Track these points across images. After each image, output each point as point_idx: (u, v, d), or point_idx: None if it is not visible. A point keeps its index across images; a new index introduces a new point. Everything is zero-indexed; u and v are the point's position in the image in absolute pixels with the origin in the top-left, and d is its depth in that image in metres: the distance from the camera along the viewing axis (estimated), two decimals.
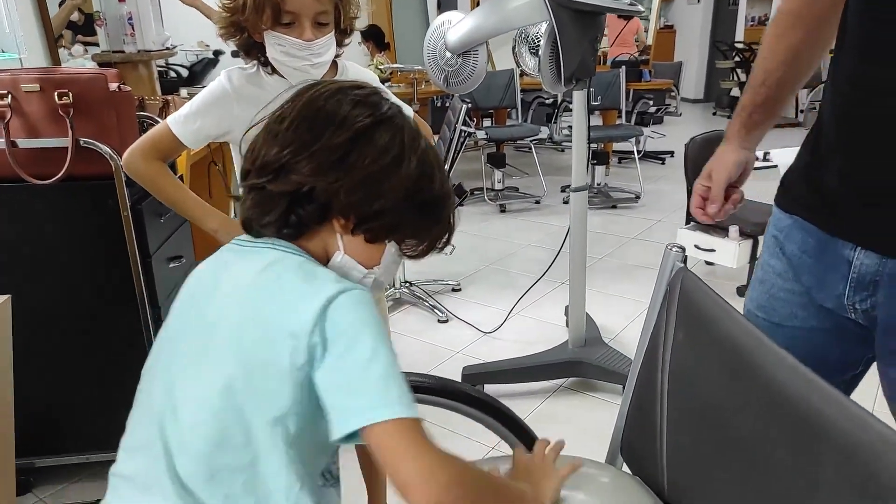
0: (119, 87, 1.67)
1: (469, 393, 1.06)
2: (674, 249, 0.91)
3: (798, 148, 0.95)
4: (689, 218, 2.90)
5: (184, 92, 3.22)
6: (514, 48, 2.22)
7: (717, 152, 1.04)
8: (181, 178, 2.01)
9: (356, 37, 1.30)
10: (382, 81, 4.67)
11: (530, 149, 5.35)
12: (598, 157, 4.72)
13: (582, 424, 1.98)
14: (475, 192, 4.67)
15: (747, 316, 1.00)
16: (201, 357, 0.70)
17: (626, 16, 6.23)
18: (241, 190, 0.76)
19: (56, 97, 1.51)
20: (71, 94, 1.52)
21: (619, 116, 5.15)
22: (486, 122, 5.73)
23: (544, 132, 5.09)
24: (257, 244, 0.74)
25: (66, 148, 1.52)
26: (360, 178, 0.69)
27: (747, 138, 1.02)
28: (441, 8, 5.97)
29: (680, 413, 0.83)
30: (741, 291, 3.00)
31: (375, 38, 5.18)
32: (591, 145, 3.62)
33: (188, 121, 1.21)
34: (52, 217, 1.61)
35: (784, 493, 0.63)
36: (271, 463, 0.66)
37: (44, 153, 1.54)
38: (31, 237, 1.62)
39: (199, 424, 0.67)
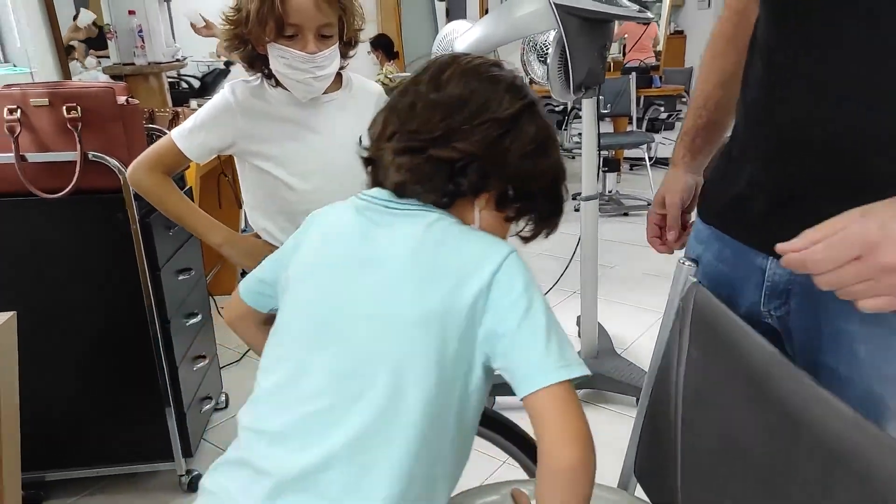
0: (127, 100, 1.67)
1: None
2: (686, 263, 0.89)
3: None
4: None
5: (193, 103, 3.24)
6: (522, 57, 2.20)
7: (665, 179, 1.04)
8: (190, 189, 2.01)
9: (365, 46, 1.29)
10: (391, 90, 4.67)
11: None
12: (609, 165, 4.69)
13: (596, 438, 1.96)
14: None
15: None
16: (376, 316, 0.69)
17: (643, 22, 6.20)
18: (365, 152, 0.79)
19: (65, 111, 1.51)
20: (79, 108, 1.52)
21: (630, 123, 5.11)
22: None
23: None
24: (410, 206, 0.73)
25: (75, 162, 1.52)
26: (522, 156, 0.72)
27: (692, 163, 1.02)
28: (450, 17, 5.98)
29: (695, 436, 0.81)
30: None
31: (385, 48, 5.18)
32: (602, 152, 3.59)
33: (192, 134, 1.21)
34: (60, 231, 1.62)
35: None
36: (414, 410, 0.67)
37: (53, 167, 1.54)
38: (39, 251, 1.62)
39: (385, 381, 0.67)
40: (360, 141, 1.26)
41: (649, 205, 4.29)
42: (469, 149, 0.70)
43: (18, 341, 1.34)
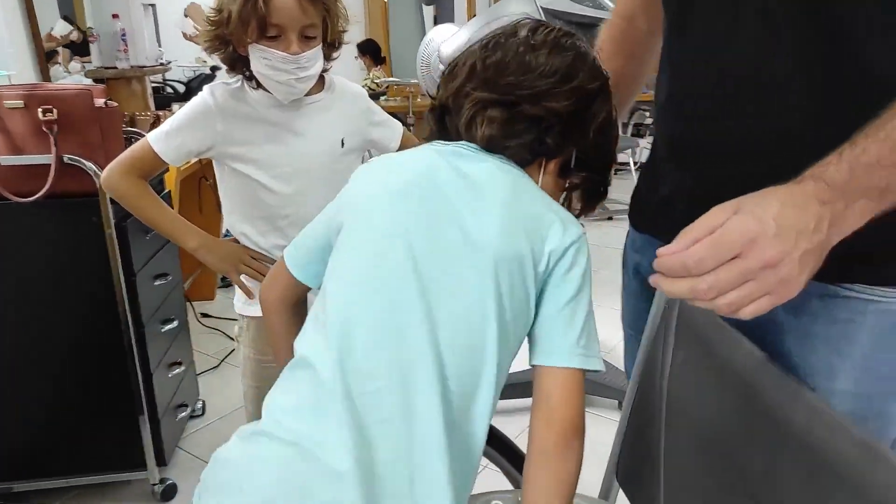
0: (105, 103, 1.64)
1: None
2: None
3: None
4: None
5: (175, 107, 3.20)
6: None
7: None
8: (169, 194, 1.98)
9: (352, 50, 1.27)
10: (377, 95, 4.66)
11: None
12: None
13: None
14: None
15: (625, 333, 1.01)
16: (472, 242, 0.69)
17: None
18: (440, 104, 0.79)
19: (40, 113, 1.48)
20: (55, 111, 1.49)
21: None
22: None
23: None
24: (499, 158, 0.74)
25: (50, 165, 1.49)
26: (598, 128, 0.76)
27: None
28: (438, 22, 5.98)
29: (680, 441, 0.79)
30: None
31: (372, 53, 5.18)
32: None
33: (169, 137, 1.18)
34: (34, 235, 1.58)
35: None
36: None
37: (27, 170, 1.50)
38: (12, 255, 1.58)
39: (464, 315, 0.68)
40: (342, 144, 1.25)
41: None
42: (560, 109, 0.73)
43: None
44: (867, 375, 0.71)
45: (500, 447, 1.03)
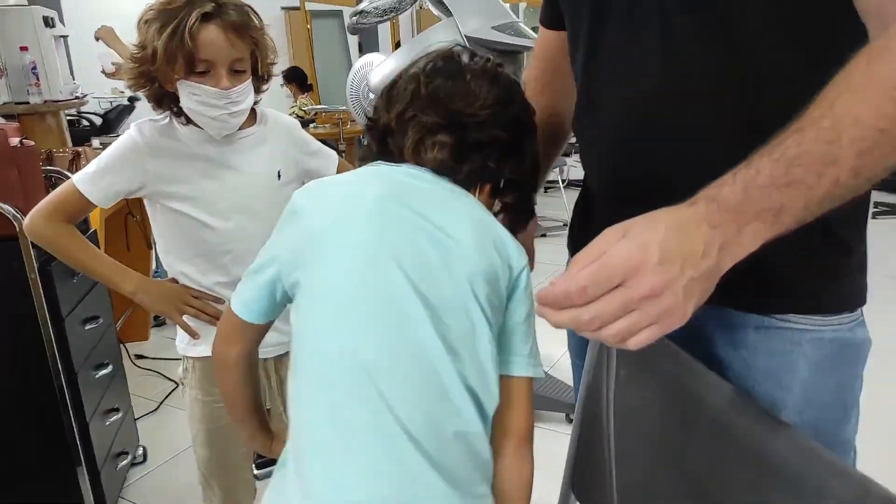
0: (21, 141, 1.57)
1: None
2: None
3: None
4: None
5: (96, 142, 3.08)
6: None
7: None
8: (94, 233, 1.90)
9: (278, 79, 1.27)
10: (307, 123, 4.63)
11: None
12: None
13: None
14: None
15: (573, 363, 1.02)
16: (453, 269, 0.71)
17: None
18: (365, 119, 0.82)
19: None
20: None
21: None
22: None
23: None
24: (450, 184, 0.76)
25: None
26: (532, 153, 0.82)
27: None
28: (362, 50, 6.01)
29: (628, 451, 0.82)
30: None
31: (298, 80, 5.15)
32: None
33: (96, 178, 1.14)
34: None
35: None
36: None
37: None
38: None
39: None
40: (279, 176, 1.24)
41: (565, 225, 4.40)
42: (502, 137, 0.76)
43: None
44: (810, 405, 0.72)
45: None
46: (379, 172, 0.77)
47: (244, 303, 0.78)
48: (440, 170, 0.76)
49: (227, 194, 1.18)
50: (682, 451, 0.72)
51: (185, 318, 1.20)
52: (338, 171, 1.36)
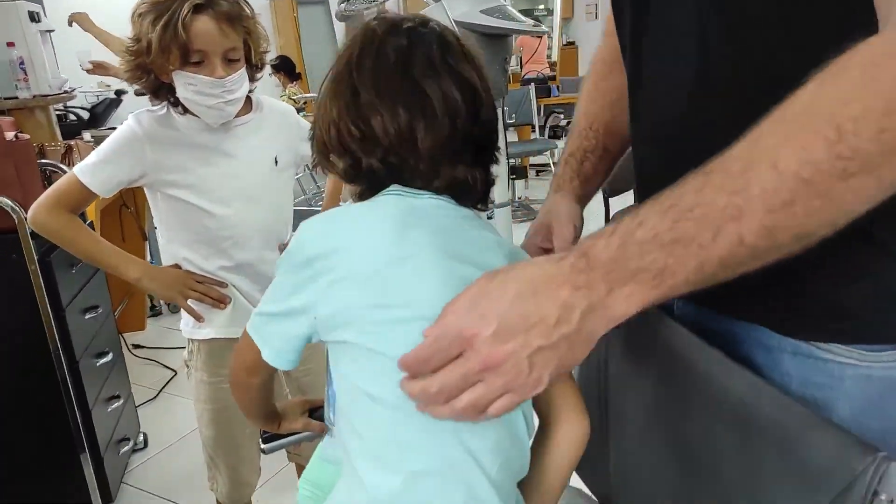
0: (16, 135, 1.58)
1: None
2: None
3: None
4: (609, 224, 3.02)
5: (87, 135, 3.07)
6: None
7: (550, 205, 0.87)
8: (91, 225, 1.92)
9: (266, 68, 1.28)
10: (296, 111, 4.62)
11: None
12: (517, 172, 4.84)
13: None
14: None
15: None
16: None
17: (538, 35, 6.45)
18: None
19: None
20: None
21: (533, 131, 5.30)
22: None
23: None
24: (463, 210, 0.70)
25: None
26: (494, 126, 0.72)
27: (581, 191, 0.88)
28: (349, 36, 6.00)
29: (624, 420, 0.85)
30: None
31: (286, 69, 5.13)
32: (510, 161, 3.71)
33: (97, 169, 1.16)
34: None
35: (727, 481, 0.66)
36: None
37: None
38: None
39: None
40: (276, 162, 1.26)
41: None
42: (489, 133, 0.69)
43: None
44: None
45: None
46: (406, 208, 0.65)
47: (276, 353, 0.68)
48: (459, 196, 0.67)
49: (225, 181, 1.20)
50: (675, 417, 0.75)
51: (189, 302, 1.23)
52: None
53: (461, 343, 0.50)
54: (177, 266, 1.25)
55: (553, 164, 5.19)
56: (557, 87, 6.24)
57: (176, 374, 2.55)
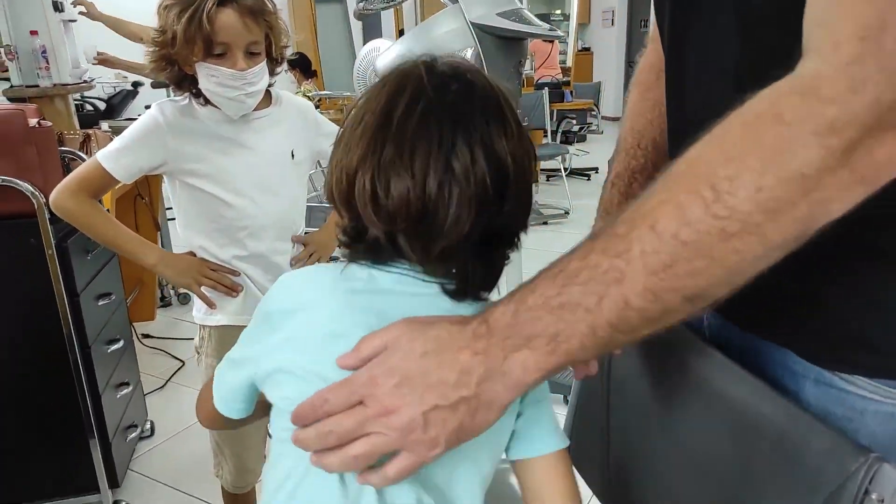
0: (39, 122, 1.61)
1: None
2: None
3: None
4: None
5: (105, 125, 3.12)
6: None
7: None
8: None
9: (282, 64, 1.31)
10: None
11: None
12: None
13: None
14: None
15: None
16: None
17: (550, 39, 6.47)
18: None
19: None
20: None
21: (545, 136, 5.31)
22: None
23: None
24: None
25: None
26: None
27: None
28: (366, 36, 6.04)
29: (624, 417, 0.87)
30: None
31: (302, 66, 5.17)
32: None
33: (120, 155, 1.19)
34: None
35: (723, 480, 0.68)
36: None
37: None
38: None
39: None
40: (293, 155, 1.28)
41: (566, 213, 4.41)
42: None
43: None
44: None
45: None
46: (365, 279, 0.60)
47: (224, 401, 0.69)
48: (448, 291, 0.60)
49: (242, 172, 1.23)
50: (675, 415, 0.77)
51: (202, 289, 1.25)
52: None
53: (363, 393, 0.50)
54: (191, 253, 1.27)
55: (564, 169, 5.19)
56: (571, 93, 6.26)
57: (184, 364, 2.58)
